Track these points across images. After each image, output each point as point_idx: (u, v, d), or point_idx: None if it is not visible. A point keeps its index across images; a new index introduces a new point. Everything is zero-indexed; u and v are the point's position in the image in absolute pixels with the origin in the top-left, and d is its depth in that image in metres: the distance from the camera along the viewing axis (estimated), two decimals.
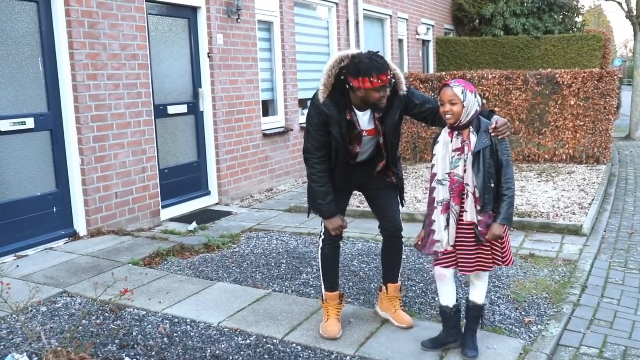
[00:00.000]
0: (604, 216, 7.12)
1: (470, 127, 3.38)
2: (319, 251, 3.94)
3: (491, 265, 3.47)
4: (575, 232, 6.20)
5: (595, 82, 9.88)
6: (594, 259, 5.50)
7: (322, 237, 3.90)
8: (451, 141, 3.41)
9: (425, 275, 4.88)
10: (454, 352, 3.59)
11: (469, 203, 3.37)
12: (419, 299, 4.43)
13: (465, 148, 3.36)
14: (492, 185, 3.34)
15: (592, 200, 7.42)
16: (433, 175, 3.47)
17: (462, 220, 3.41)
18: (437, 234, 3.43)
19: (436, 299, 4.42)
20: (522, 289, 4.65)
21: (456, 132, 3.40)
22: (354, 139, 3.69)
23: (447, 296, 3.61)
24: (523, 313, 4.21)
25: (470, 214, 3.37)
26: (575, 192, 7.87)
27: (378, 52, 3.52)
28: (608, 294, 4.75)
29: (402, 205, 3.99)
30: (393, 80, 3.51)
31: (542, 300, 4.44)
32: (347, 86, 3.50)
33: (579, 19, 20.28)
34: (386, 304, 4.03)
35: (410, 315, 4.04)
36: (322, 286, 3.95)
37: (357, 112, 3.64)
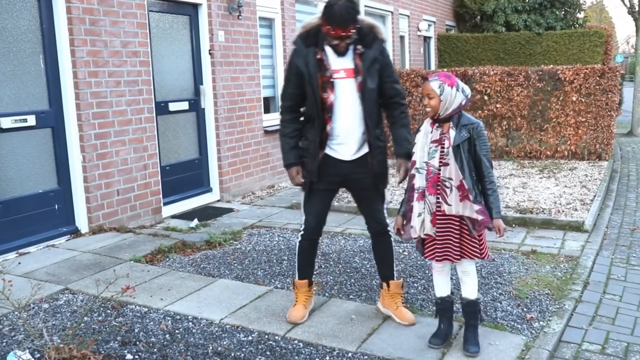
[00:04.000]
0: (606, 212, 7.11)
1: (451, 122, 3.43)
2: (297, 244, 4.05)
3: (459, 257, 3.51)
4: (577, 228, 6.19)
5: (597, 78, 9.86)
6: (596, 256, 5.49)
7: (302, 231, 3.98)
8: (431, 132, 3.47)
9: (427, 272, 4.87)
10: (456, 349, 3.59)
11: (454, 197, 3.41)
12: (421, 296, 4.43)
13: (445, 142, 3.41)
14: (475, 178, 3.42)
15: (594, 196, 7.41)
16: (413, 163, 3.54)
17: (440, 211, 3.46)
18: (412, 220, 3.53)
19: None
20: (524, 286, 4.65)
21: (437, 125, 3.47)
22: (327, 84, 3.66)
23: (446, 286, 3.70)
24: (525, 309, 4.20)
25: (455, 207, 3.42)
26: (577, 189, 7.86)
27: (354, 3, 3.57)
28: (610, 290, 4.74)
29: (385, 187, 3.96)
30: (355, 36, 3.59)
31: (544, 297, 4.44)
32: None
33: (580, 15, 20.26)
34: (388, 300, 4.03)
35: (412, 312, 4.04)
36: (296, 274, 4.09)
37: (327, 51, 3.66)
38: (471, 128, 3.41)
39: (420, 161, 3.48)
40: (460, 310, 3.73)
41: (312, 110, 3.73)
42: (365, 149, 3.81)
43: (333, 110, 3.69)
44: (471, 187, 3.38)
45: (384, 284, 4.06)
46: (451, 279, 4.30)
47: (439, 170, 3.43)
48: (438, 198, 3.45)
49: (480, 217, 3.40)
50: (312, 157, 3.78)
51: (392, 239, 4.03)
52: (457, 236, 3.47)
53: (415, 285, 4.67)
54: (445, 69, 11.05)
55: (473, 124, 3.42)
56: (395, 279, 4.04)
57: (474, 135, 3.40)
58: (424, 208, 3.48)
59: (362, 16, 3.78)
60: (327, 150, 3.79)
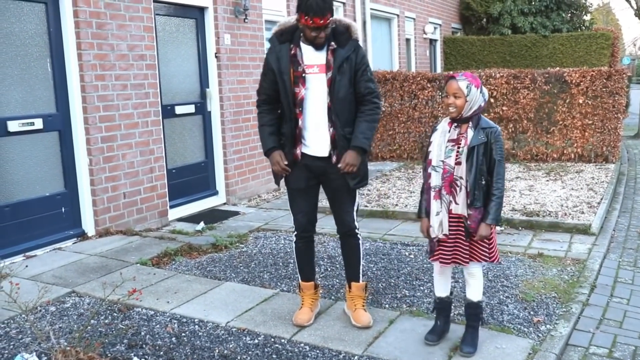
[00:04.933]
0: (613, 215, 7.08)
1: (470, 122, 3.42)
2: (293, 245, 4.06)
3: (467, 260, 3.51)
4: (584, 231, 6.17)
5: (604, 80, 9.83)
6: (603, 259, 5.47)
7: (295, 231, 3.99)
8: (449, 131, 3.46)
9: (432, 274, 4.85)
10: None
11: (462, 197, 3.42)
12: (427, 299, 4.42)
13: (462, 141, 3.41)
14: (483, 182, 3.41)
15: (601, 199, 7.38)
16: (429, 162, 3.51)
17: (452, 211, 3.47)
18: (431, 220, 3.51)
19: None
20: (531, 289, 4.63)
21: (455, 124, 3.45)
22: (299, 79, 3.69)
23: (446, 287, 3.72)
24: (532, 313, 4.19)
25: (462, 207, 3.43)
26: (584, 191, 7.84)
27: None
28: (617, 293, 4.72)
29: (361, 185, 3.88)
30: (332, 25, 3.63)
31: (551, 300, 4.42)
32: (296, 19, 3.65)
33: (587, 17, 20.22)
34: (349, 302, 4.06)
35: (418, 314, 4.04)
36: (299, 276, 4.10)
37: (303, 47, 3.70)
38: (490, 132, 3.40)
39: (436, 159, 3.47)
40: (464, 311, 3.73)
41: (285, 106, 3.77)
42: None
43: (304, 104, 3.72)
44: (473, 190, 3.37)
45: (346, 285, 4.09)
46: (457, 280, 4.29)
47: (454, 169, 3.42)
48: (453, 197, 3.45)
49: (468, 222, 3.41)
50: (288, 152, 3.80)
51: (360, 241, 4.01)
52: (467, 238, 3.47)
53: (422, 288, 4.66)
54: (452, 72, 11.03)
55: (492, 128, 3.42)
56: (359, 281, 4.02)
57: (492, 140, 3.39)
58: (442, 207, 3.47)
59: (339, 16, 3.85)
60: (303, 148, 3.80)
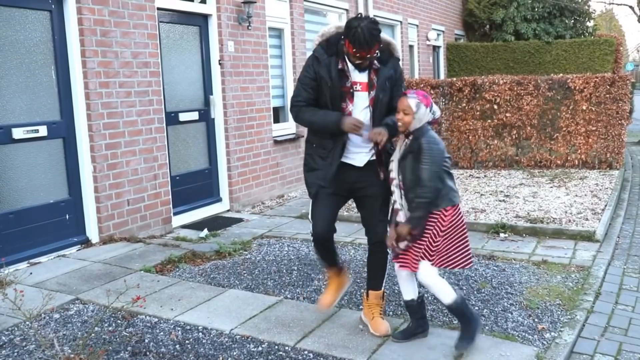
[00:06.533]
0: (618, 222, 7.06)
1: (412, 135, 3.60)
2: (314, 248, 4.08)
3: (407, 265, 3.68)
4: (588, 238, 6.15)
5: (608, 87, 9.82)
6: (608, 265, 5.45)
7: (312, 236, 3.94)
8: (400, 148, 3.66)
9: None
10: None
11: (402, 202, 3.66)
12: (431, 306, 4.41)
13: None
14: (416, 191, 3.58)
15: (605, 206, 7.37)
16: (391, 180, 3.70)
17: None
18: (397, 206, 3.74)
19: None
20: (535, 296, 4.62)
21: (405, 139, 3.63)
22: (346, 94, 3.69)
23: (409, 291, 3.82)
24: (536, 320, 4.18)
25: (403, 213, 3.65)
26: (588, 198, 7.82)
27: (377, 24, 3.59)
28: (622, 300, 4.71)
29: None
30: (376, 56, 3.64)
31: (555, 307, 4.41)
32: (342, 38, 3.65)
33: (590, 24, 20.22)
34: (366, 310, 4.06)
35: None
36: (323, 265, 4.26)
37: (349, 63, 3.70)
38: (418, 143, 3.52)
39: (397, 177, 3.67)
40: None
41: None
42: (372, 157, 3.83)
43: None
44: (399, 197, 3.62)
45: (364, 293, 4.11)
46: (459, 286, 4.28)
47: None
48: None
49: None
50: (328, 164, 3.77)
51: (388, 256, 4.01)
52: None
53: (426, 295, 4.64)
54: (455, 79, 11.03)
55: (430, 143, 3.51)
56: (379, 289, 4.03)
57: (423, 147, 3.50)
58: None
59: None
60: (343, 158, 3.81)
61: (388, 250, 3.96)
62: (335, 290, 4.10)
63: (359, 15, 3.61)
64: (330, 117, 3.70)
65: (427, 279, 3.62)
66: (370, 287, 4.04)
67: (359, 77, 3.72)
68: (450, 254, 3.61)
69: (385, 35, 3.79)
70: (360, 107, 3.73)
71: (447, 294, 3.63)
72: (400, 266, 3.74)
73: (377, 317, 3.97)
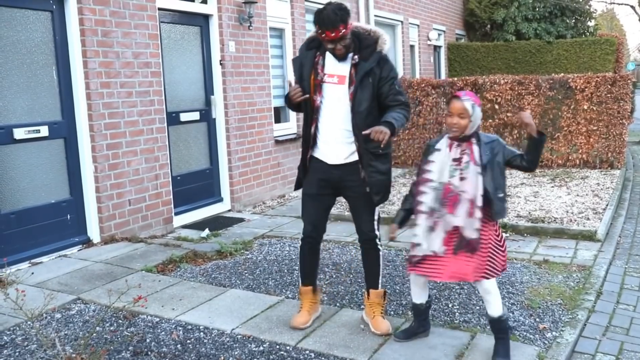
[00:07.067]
0: (619, 221, 7.06)
1: (473, 138, 3.43)
2: (299, 248, 4.12)
3: (442, 274, 3.51)
4: (589, 237, 6.15)
5: (609, 86, 9.82)
6: (609, 265, 5.45)
7: (302, 235, 4.05)
8: (450, 151, 3.45)
9: (437, 282, 4.85)
10: (468, 359, 3.57)
11: (463, 209, 3.40)
12: (432, 306, 4.40)
13: (465, 158, 3.40)
14: (502, 195, 3.43)
15: (607, 205, 7.36)
16: (424, 180, 3.49)
17: (449, 226, 3.47)
18: (418, 238, 3.51)
19: (449, 305, 4.41)
20: (537, 295, 4.62)
21: (456, 143, 3.44)
22: (317, 87, 3.74)
23: (421, 296, 3.76)
24: (538, 319, 4.18)
25: (461, 219, 3.41)
26: (590, 198, 7.82)
27: (343, 5, 3.61)
28: (624, 300, 4.70)
29: (384, 200, 3.91)
30: (345, 39, 3.62)
31: (556, 307, 4.41)
32: None
33: (591, 23, 20.20)
34: (367, 309, 4.07)
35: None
36: (299, 280, 4.17)
37: (327, 56, 3.75)
38: (493, 145, 3.42)
39: (438, 180, 3.45)
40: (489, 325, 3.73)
41: (304, 110, 3.86)
42: (355, 157, 3.81)
43: (319, 112, 3.77)
44: (493, 204, 3.39)
45: (365, 293, 4.11)
46: (461, 286, 4.28)
47: (458, 187, 3.40)
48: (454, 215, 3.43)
49: (473, 237, 3.40)
50: (302, 154, 3.91)
51: (380, 253, 4.03)
52: (455, 251, 3.47)
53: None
54: (456, 78, 11.03)
55: (494, 141, 3.44)
56: (378, 288, 4.04)
57: (498, 151, 3.41)
58: (438, 227, 3.45)
59: (372, 26, 3.84)
60: (314, 152, 3.87)
61: (379, 247, 3.99)
62: (308, 311, 4.10)
63: (329, 2, 3.66)
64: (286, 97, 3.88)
65: (493, 287, 3.53)
66: (369, 285, 4.06)
67: (337, 69, 3.74)
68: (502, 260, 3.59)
69: (378, 29, 3.85)
70: (333, 100, 3.74)
71: (500, 306, 3.54)
72: (422, 273, 3.61)
73: (378, 316, 3.98)
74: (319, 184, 3.90)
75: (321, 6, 3.66)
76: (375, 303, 4.02)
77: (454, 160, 3.43)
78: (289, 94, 3.77)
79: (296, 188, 4.11)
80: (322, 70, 3.75)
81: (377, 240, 3.98)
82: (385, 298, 4.09)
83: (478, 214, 3.38)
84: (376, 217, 3.97)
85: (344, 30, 3.58)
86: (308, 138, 3.86)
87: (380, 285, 4.05)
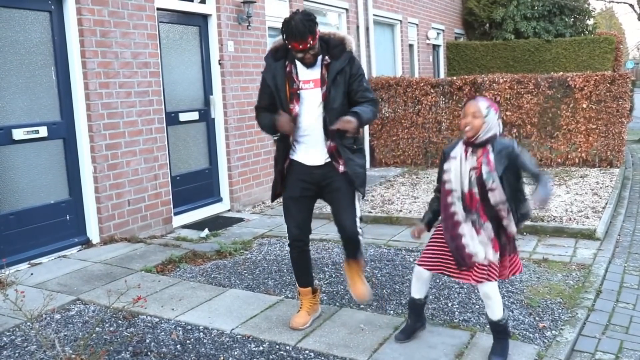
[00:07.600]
0: (618, 220, 7.06)
1: (489, 146, 3.35)
2: (289, 254, 4.15)
3: (455, 271, 3.53)
4: (589, 236, 6.15)
5: (608, 85, 9.82)
6: (609, 264, 5.45)
7: (289, 240, 4.08)
8: (466, 158, 3.39)
9: (437, 281, 4.85)
10: (468, 358, 3.57)
11: (492, 215, 3.43)
12: (432, 305, 4.41)
13: (484, 167, 3.32)
14: (523, 199, 3.48)
15: (606, 204, 7.36)
16: (446, 192, 3.45)
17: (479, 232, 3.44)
18: (470, 248, 3.41)
19: (449, 304, 4.41)
20: (536, 294, 4.62)
21: (471, 150, 3.38)
22: (294, 96, 3.74)
23: (421, 291, 3.74)
24: (537, 318, 4.18)
25: (493, 226, 3.44)
26: (589, 196, 7.82)
27: (311, 16, 3.63)
28: (623, 298, 4.71)
29: (363, 197, 3.96)
30: (314, 48, 3.62)
31: (556, 306, 4.41)
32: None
33: (590, 22, 20.19)
34: (347, 272, 4.09)
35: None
36: (297, 282, 4.20)
37: (298, 64, 3.74)
38: (507, 153, 3.34)
39: (458, 190, 3.41)
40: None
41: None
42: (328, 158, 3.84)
43: (298, 119, 3.76)
44: (514, 211, 3.45)
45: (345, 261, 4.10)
46: (460, 285, 4.28)
47: (479, 194, 3.37)
48: (490, 221, 3.41)
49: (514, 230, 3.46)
50: (279, 164, 3.93)
51: (361, 244, 3.99)
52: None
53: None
54: (455, 77, 11.02)
55: (507, 148, 3.35)
56: (357, 258, 4.01)
57: (513, 157, 3.34)
58: (482, 234, 3.41)
59: (333, 30, 3.87)
60: (294, 156, 3.89)
61: (360, 239, 3.95)
62: (307, 311, 4.11)
63: (297, 11, 3.67)
64: (267, 120, 3.85)
65: (491, 290, 3.49)
66: (350, 256, 4.03)
67: (310, 75, 3.74)
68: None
69: (340, 32, 3.88)
70: (310, 105, 3.75)
71: (500, 310, 3.53)
72: (429, 268, 3.63)
73: (358, 279, 4.02)
74: (301, 186, 3.91)
75: (320, 6, 3.66)
76: (355, 266, 4.02)
77: (472, 168, 3.36)
78: (277, 124, 3.74)
79: (273, 199, 4.14)
80: (297, 78, 3.74)
81: (360, 237, 3.95)
82: (363, 265, 4.12)
83: (506, 213, 3.41)
84: (358, 215, 3.95)
85: (312, 41, 3.58)
86: (287, 146, 3.87)
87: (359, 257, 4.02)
